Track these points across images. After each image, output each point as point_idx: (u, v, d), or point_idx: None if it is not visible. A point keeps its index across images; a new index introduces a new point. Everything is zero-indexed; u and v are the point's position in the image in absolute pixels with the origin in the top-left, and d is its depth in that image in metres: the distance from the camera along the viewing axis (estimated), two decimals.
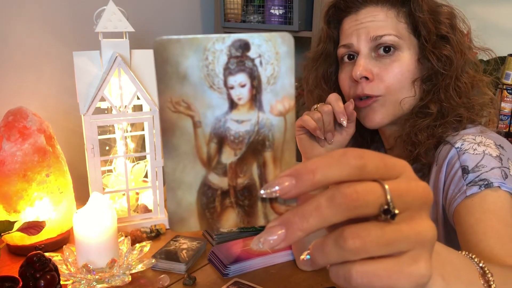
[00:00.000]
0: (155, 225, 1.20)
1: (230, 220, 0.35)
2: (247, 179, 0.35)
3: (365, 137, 1.01)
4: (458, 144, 0.79)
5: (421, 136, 0.84)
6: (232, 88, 0.33)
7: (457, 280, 0.38)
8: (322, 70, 0.97)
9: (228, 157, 0.34)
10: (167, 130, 0.33)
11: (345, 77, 0.91)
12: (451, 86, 0.84)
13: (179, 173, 0.34)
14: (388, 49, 0.85)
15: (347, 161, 0.31)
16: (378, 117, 0.87)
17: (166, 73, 0.32)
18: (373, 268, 0.31)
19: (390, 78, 0.85)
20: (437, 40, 0.85)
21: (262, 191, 0.33)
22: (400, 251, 0.32)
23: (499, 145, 0.79)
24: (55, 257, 0.98)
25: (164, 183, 1.25)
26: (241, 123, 0.34)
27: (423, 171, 0.85)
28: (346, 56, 0.91)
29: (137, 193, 1.30)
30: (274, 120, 0.34)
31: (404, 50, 0.86)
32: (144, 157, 1.30)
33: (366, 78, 0.86)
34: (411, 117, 0.87)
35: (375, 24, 0.86)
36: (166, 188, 0.34)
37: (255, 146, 0.34)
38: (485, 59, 1.16)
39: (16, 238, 1.07)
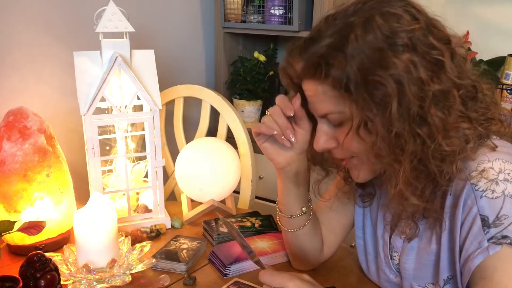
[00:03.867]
0: (155, 225, 1.20)
1: None
2: None
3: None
4: (473, 180, 0.72)
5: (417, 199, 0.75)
6: None
7: None
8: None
9: None
10: None
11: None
12: (430, 154, 0.71)
13: None
14: (337, 123, 0.78)
15: None
16: (361, 173, 0.82)
17: None
18: None
19: (354, 147, 0.78)
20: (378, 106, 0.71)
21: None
22: None
23: None
24: (56, 257, 0.98)
25: (164, 183, 1.25)
26: None
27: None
28: None
29: (137, 193, 1.30)
30: None
31: (355, 120, 0.74)
32: (144, 157, 1.30)
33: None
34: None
35: (317, 99, 0.78)
36: None
37: None
38: (485, 59, 1.16)
39: (16, 238, 1.07)
